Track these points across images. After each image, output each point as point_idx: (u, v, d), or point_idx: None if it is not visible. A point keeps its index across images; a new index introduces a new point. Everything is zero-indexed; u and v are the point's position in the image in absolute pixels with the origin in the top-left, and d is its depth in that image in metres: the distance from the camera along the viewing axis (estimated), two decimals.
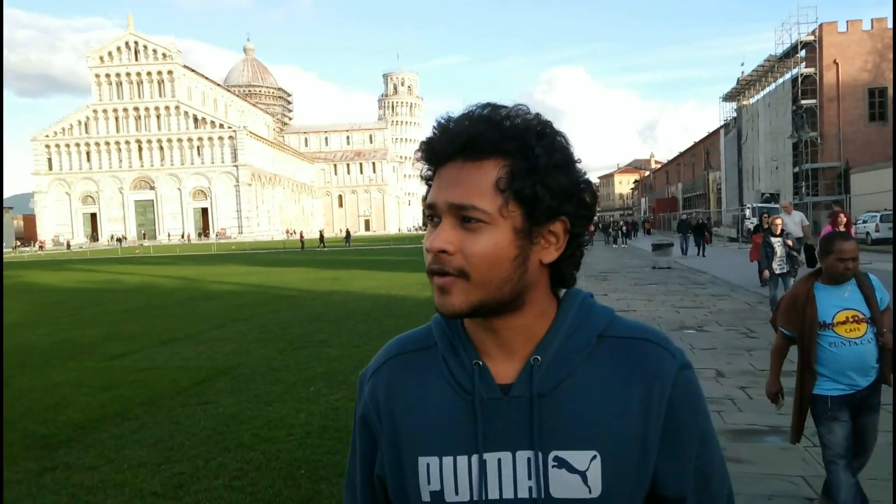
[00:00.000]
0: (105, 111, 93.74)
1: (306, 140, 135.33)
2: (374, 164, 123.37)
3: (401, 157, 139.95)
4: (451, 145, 0.80)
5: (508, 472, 0.82)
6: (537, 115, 0.83)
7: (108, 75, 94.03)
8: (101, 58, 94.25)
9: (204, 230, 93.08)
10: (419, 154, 0.86)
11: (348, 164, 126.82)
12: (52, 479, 4.21)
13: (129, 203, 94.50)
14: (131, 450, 4.72)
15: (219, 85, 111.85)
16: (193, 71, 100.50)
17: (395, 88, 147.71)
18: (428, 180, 0.85)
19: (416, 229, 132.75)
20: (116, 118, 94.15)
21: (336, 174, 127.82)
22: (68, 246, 77.61)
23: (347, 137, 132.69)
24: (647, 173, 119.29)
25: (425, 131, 0.98)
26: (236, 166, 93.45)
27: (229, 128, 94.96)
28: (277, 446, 4.66)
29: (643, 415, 0.82)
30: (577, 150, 0.86)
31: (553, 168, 0.80)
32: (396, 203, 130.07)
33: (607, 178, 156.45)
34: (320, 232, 58.13)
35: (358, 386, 0.96)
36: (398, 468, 0.88)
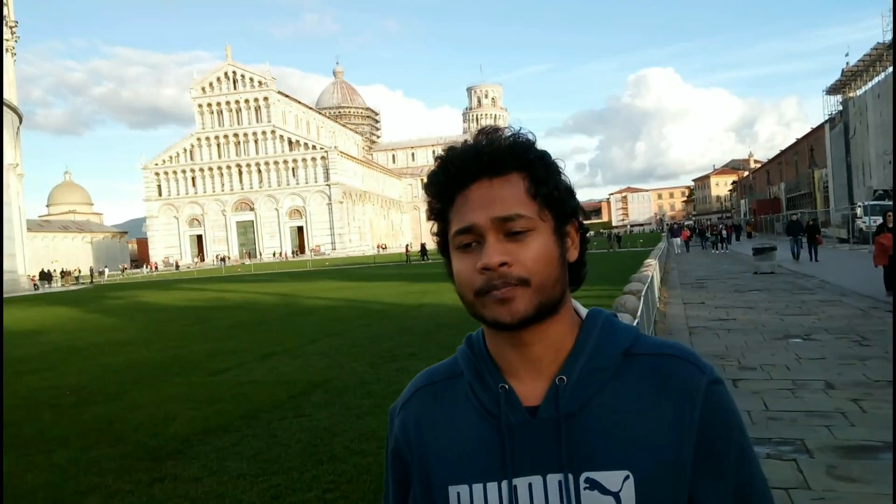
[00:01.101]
0: (208, 138, 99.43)
1: (394, 157, 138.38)
2: None
3: None
4: (476, 165, 0.83)
5: (540, 496, 0.81)
6: (521, 131, 0.89)
7: (209, 105, 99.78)
8: (203, 88, 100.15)
9: (300, 247, 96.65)
10: (434, 185, 0.87)
11: None
12: (160, 489, 4.47)
13: (232, 224, 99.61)
14: (232, 462, 4.94)
15: (311, 108, 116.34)
16: (287, 96, 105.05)
17: (479, 101, 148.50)
18: (441, 213, 0.87)
19: None
20: (218, 145, 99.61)
21: (423, 188, 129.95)
22: (177, 266, 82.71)
23: (433, 151, 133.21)
24: (746, 174, 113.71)
25: None
26: (329, 185, 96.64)
27: (321, 149, 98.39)
28: (368, 459, 4.75)
29: (675, 432, 0.81)
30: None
31: (558, 174, 0.87)
32: None
33: (703, 181, 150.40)
34: (422, 245, 59.57)
35: (388, 421, 0.97)
36: (429, 499, 0.88)
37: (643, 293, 7.73)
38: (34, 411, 7.12)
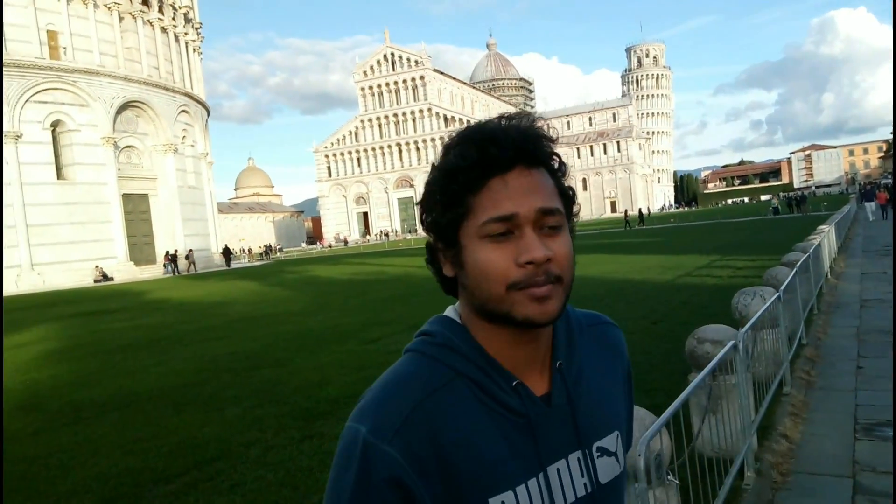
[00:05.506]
0: (370, 120, 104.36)
1: (547, 126, 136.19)
2: (618, 143, 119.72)
3: (647, 132, 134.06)
4: (517, 150, 0.79)
5: (567, 478, 0.84)
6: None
7: (370, 87, 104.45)
8: (365, 72, 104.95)
9: None
10: (468, 166, 0.80)
11: (591, 146, 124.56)
12: (309, 445, 4.97)
13: (394, 201, 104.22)
14: None
15: (465, 83, 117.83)
16: (442, 73, 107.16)
17: (640, 61, 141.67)
18: (459, 197, 0.80)
19: (668, 208, 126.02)
20: (380, 125, 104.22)
21: (579, 157, 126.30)
22: (346, 242, 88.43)
23: (590, 119, 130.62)
24: None
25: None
26: None
27: (475, 123, 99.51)
28: None
29: (623, 386, 0.98)
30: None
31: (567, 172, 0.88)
32: (644, 181, 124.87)
33: None
34: (639, 210, 61.78)
35: (358, 457, 0.77)
36: None
37: (799, 263, 7.16)
38: (215, 374, 8.13)
